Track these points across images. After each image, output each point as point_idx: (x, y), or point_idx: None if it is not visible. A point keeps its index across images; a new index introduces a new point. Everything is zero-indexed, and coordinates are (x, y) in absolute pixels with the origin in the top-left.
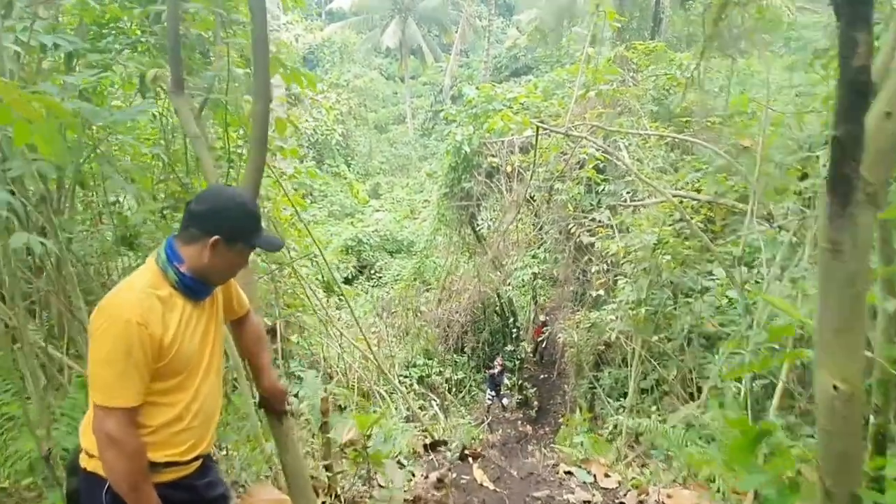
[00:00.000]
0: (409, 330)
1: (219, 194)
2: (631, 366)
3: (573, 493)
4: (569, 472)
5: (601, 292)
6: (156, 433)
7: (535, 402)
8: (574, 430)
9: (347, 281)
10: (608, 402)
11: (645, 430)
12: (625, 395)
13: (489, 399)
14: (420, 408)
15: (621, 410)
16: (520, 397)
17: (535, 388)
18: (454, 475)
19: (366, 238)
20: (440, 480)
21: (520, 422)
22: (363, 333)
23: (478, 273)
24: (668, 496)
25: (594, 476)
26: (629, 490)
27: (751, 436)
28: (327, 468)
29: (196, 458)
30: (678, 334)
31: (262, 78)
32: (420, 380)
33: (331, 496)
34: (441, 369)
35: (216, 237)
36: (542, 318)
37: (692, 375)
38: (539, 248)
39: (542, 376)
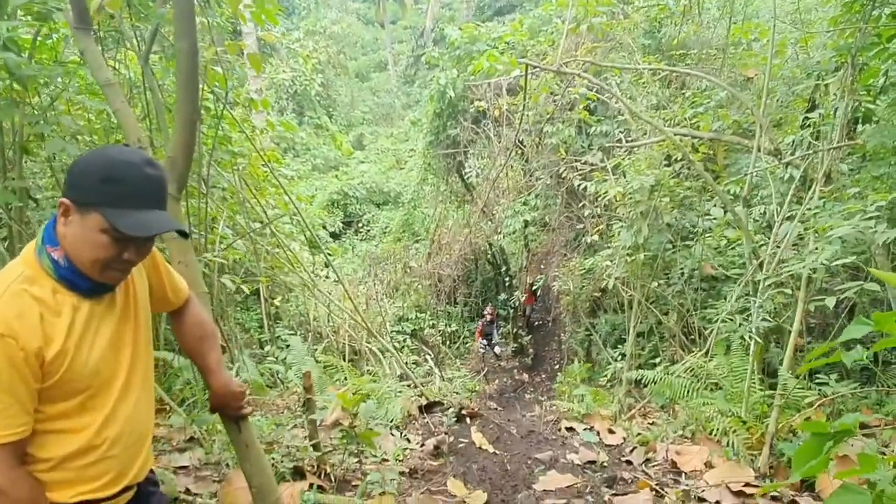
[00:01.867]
0: (399, 286)
1: (99, 152)
2: (629, 313)
3: (577, 452)
4: (570, 429)
5: (596, 237)
6: (59, 468)
7: (531, 350)
8: (573, 381)
9: (335, 236)
10: (605, 350)
11: (647, 380)
12: (622, 341)
13: (481, 348)
14: (414, 363)
15: (620, 358)
16: (515, 345)
17: (529, 336)
18: (451, 439)
19: (351, 191)
20: (437, 448)
21: (516, 370)
22: (349, 294)
23: (468, 223)
24: (678, 453)
25: (597, 433)
26: (635, 447)
27: (822, 438)
28: (315, 447)
29: (124, 490)
30: (678, 279)
31: (183, 8)
32: (413, 333)
33: (320, 475)
34: (434, 322)
35: (65, 199)
36: (529, 280)
37: (693, 321)
38: (530, 194)
39: (536, 323)
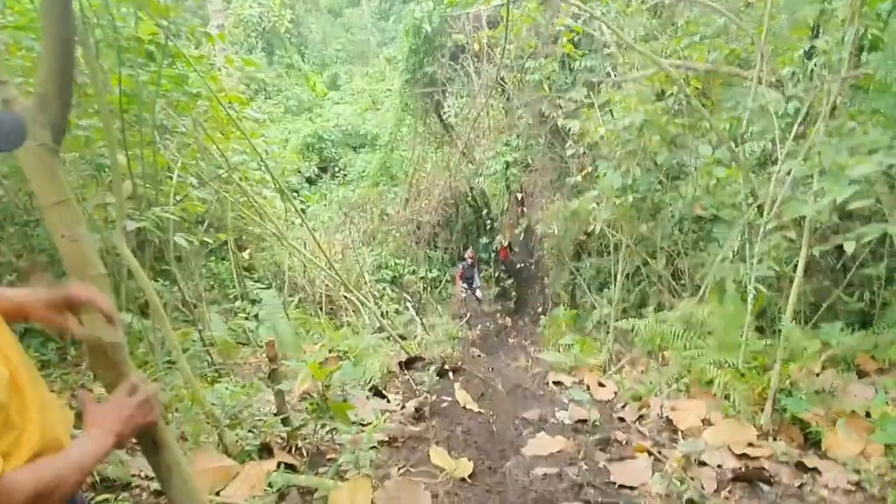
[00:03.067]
0: (377, 234)
1: None
2: (616, 257)
3: (566, 409)
4: (558, 383)
5: (579, 178)
6: None
7: (513, 294)
8: (559, 328)
9: (310, 181)
10: (590, 293)
11: (637, 329)
12: (607, 285)
13: (463, 292)
14: (395, 311)
15: (606, 303)
16: (497, 289)
17: (511, 280)
18: (434, 398)
19: (326, 134)
20: (418, 411)
21: (498, 314)
22: (321, 248)
23: (447, 165)
24: (673, 409)
25: (587, 387)
26: (627, 403)
27: None
28: (284, 421)
29: None
30: (668, 222)
31: None
32: (393, 280)
33: (290, 451)
34: (414, 268)
35: None
36: (503, 241)
37: (683, 265)
38: (512, 134)
39: (518, 266)
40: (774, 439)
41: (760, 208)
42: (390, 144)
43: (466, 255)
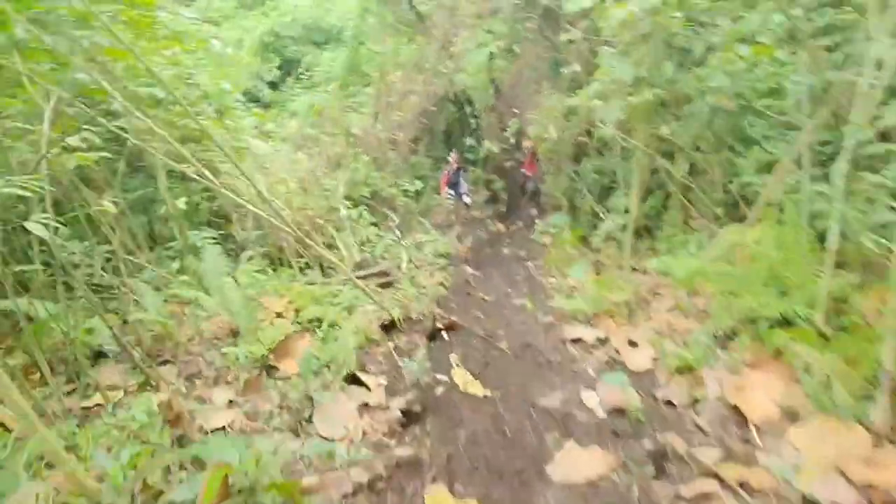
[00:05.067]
0: (342, 161)
1: None
2: (625, 157)
3: (594, 390)
4: (577, 340)
5: (577, 68)
6: None
7: (504, 196)
8: (563, 250)
9: (273, 85)
10: (590, 199)
11: (669, 268)
12: (611, 189)
13: (449, 198)
14: (377, 236)
15: (613, 212)
16: (488, 193)
17: (502, 182)
18: (427, 380)
19: (284, 30)
20: (405, 414)
21: (489, 220)
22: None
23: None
24: (737, 388)
25: (616, 349)
26: (671, 375)
27: None
28: None
29: None
30: (693, 120)
31: None
32: (374, 196)
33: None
34: (396, 180)
35: None
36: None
37: (713, 174)
38: (496, 19)
39: (508, 164)
40: None
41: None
42: (357, 38)
43: (450, 159)
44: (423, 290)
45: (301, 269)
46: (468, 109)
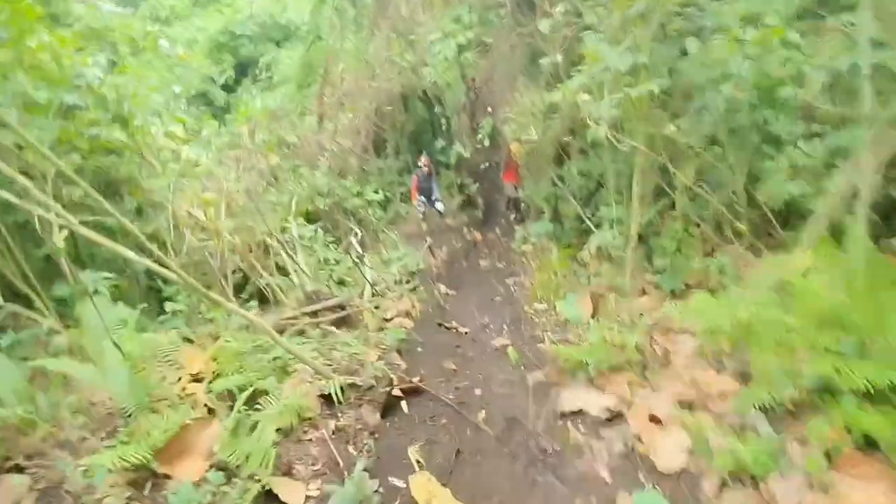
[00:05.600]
0: (278, 174)
1: None
2: (625, 169)
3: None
4: (577, 413)
5: (558, 59)
6: None
7: (480, 201)
8: (551, 275)
9: (228, 88)
10: (574, 203)
11: (701, 315)
12: (597, 193)
13: (420, 207)
14: (335, 261)
15: (594, 223)
16: (462, 198)
17: (477, 185)
18: (375, 486)
19: (240, 29)
20: None
21: (465, 228)
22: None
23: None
24: None
25: (636, 435)
26: (722, 483)
27: None
28: None
29: None
30: (702, 115)
31: None
32: (334, 207)
33: None
34: (360, 189)
35: None
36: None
37: (740, 186)
38: (463, 6)
39: (483, 167)
40: None
41: None
42: (312, 33)
43: (421, 164)
44: (384, 327)
45: (245, 301)
46: (438, 109)
